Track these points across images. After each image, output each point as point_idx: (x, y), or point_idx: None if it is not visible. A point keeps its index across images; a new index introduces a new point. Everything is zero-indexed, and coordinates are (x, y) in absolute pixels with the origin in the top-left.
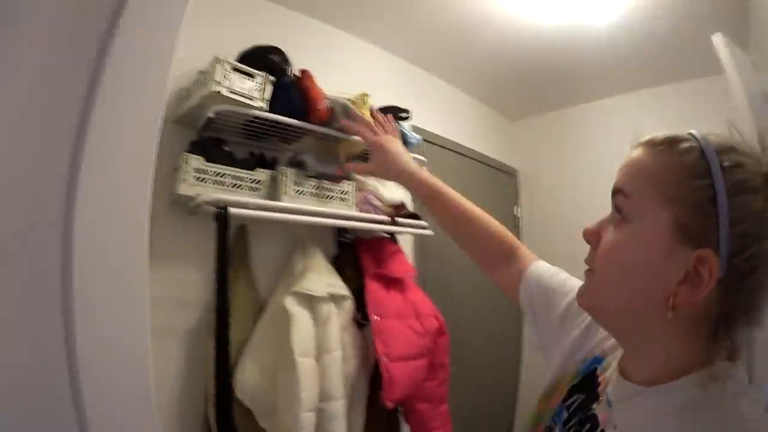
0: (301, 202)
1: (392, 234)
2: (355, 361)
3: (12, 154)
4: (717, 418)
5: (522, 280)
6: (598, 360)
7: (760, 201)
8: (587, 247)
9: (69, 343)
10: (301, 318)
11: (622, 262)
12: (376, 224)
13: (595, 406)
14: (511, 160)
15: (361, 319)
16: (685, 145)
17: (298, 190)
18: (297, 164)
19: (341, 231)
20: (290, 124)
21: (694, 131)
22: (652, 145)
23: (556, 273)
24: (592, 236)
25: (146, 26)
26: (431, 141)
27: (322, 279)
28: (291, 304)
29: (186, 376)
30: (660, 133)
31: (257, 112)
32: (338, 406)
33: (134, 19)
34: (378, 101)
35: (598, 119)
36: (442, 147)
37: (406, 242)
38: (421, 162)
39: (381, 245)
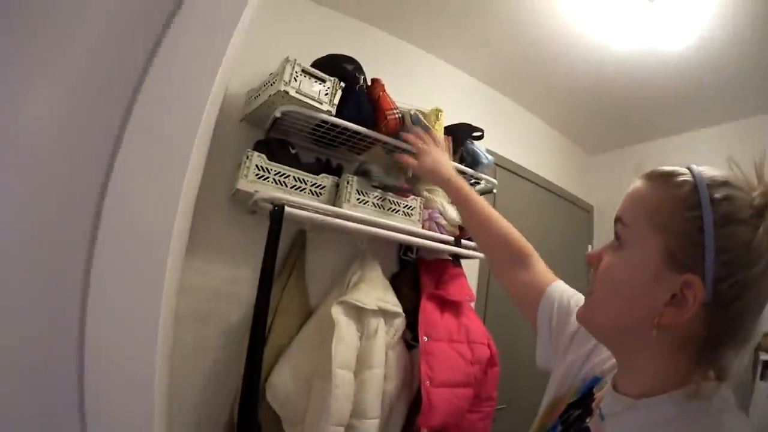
0: (362, 212)
1: (456, 256)
2: (397, 382)
3: (51, 154)
4: (700, 430)
5: (543, 298)
6: (597, 380)
7: (748, 232)
8: None
9: (80, 338)
10: (345, 328)
11: (614, 282)
12: (439, 243)
13: (588, 420)
14: (588, 195)
15: (411, 339)
16: (680, 178)
17: (360, 199)
18: (363, 174)
19: (405, 249)
20: (357, 131)
21: (693, 165)
22: (651, 177)
23: (574, 294)
24: (593, 259)
25: (198, 30)
26: (504, 166)
27: (375, 293)
28: (338, 313)
29: (219, 371)
30: (661, 167)
31: (324, 116)
32: (371, 426)
33: (186, 22)
34: (452, 119)
35: (679, 155)
36: (516, 174)
37: (472, 267)
38: (492, 185)
39: (443, 267)
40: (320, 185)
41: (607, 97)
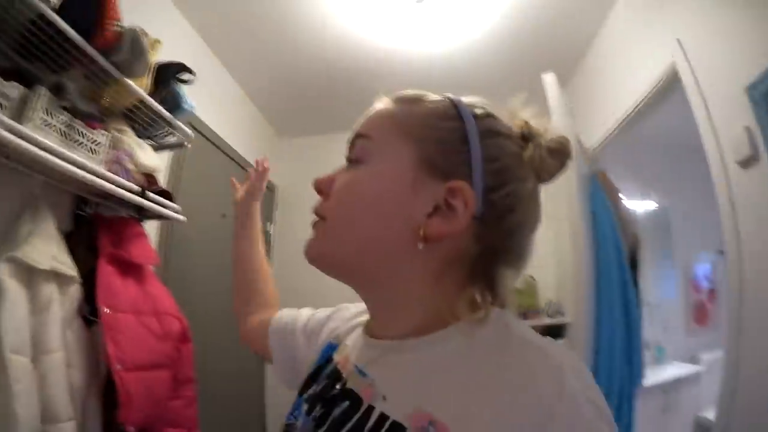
0: (45, 136)
1: (138, 213)
2: (83, 369)
3: None
4: (522, 356)
5: (271, 325)
6: (332, 347)
7: (516, 146)
8: None
9: None
10: (16, 296)
11: (359, 198)
12: (123, 190)
13: (338, 386)
14: (272, 175)
15: (89, 314)
16: (435, 97)
17: (45, 120)
18: (57, 89)
19: (80, 202)
20: (72, 37)
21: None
22: (399, 99)
23: (296, 310)
24: (324, 184)
25: None
26: (199, 130)
27: (49, 249)
28: (5, 274)
29: None
30: (409, 90)
31: (44, 8)
32: (67, 429)
33: None
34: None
35: None
36: (207, 139)
37: (150, 230)
38: (186, 137)
39: (124, 225)
40: (6, 95)
41: (319, 87)
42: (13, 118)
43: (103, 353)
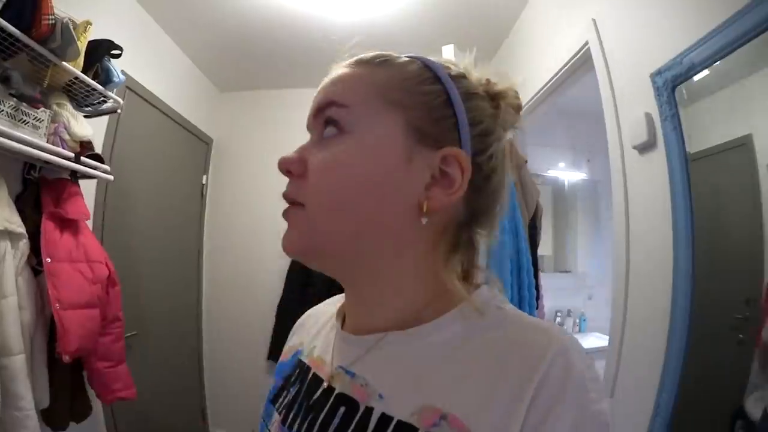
0: None
1: (75, 175)
2: (32, 310)
3: None
4: (518, 334)
5: None
6: (297, 353)
7: (491, 108)
8: (267, 216)
9: None
10: None
11: (352, 177)
12: (60, 158)
13: (320, 392)
14: (209, 128)
15: (36, 264)
16: (403, 59)
17: None
18: (4, 80)
19: (28, 167)
20: (13, 33)
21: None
22: (364, 62)
23: None
24: (295, 164)
25: None
26: (136, 91)
27: (1, 213)
28: None
29: None
30: (369, 53)
31: None
32: (19, 362)
33: None
34: (98, 33)
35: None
36: (145, 100)
37: (90, 187)
38: (117, 105)
39: (63, 186)
40: None
41: (252, 42)
42: None
43: (47, 297)
